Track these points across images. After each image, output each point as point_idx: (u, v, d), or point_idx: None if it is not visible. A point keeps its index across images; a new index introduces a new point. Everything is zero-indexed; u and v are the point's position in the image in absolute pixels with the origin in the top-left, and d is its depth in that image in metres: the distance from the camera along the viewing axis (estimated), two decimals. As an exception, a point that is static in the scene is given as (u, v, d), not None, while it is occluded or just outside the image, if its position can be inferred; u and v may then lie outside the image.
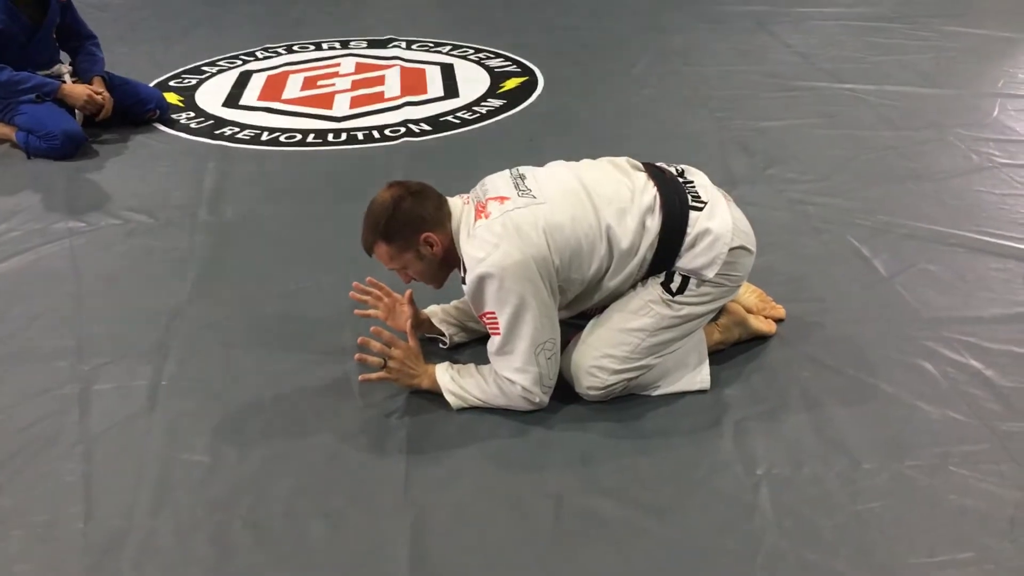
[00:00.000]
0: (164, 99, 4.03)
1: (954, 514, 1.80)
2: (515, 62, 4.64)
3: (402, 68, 4.60)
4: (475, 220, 2.00)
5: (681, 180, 2.11)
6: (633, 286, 2.09)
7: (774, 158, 3.45)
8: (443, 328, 2.33)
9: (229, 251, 2.88)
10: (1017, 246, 2.78)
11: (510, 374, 2.03)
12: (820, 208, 3.05)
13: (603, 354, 2.06)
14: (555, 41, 4.99)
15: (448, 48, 4.89)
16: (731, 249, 2.04)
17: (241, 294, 2.64)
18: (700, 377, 2.15)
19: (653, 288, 2.06)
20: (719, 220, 2.05)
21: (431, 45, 4.96)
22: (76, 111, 3.71)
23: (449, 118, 3.95)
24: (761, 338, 2.34)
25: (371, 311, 2.36)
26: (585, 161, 2.18)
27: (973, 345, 2.30)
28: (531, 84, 4.34)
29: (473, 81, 4.40)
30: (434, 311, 2.36)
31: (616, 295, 2.10)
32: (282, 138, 3.79)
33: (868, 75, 4.29)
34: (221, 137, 3.81)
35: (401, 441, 2.02)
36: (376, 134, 3.80)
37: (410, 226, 2.02)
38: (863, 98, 4.03)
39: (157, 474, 1.94)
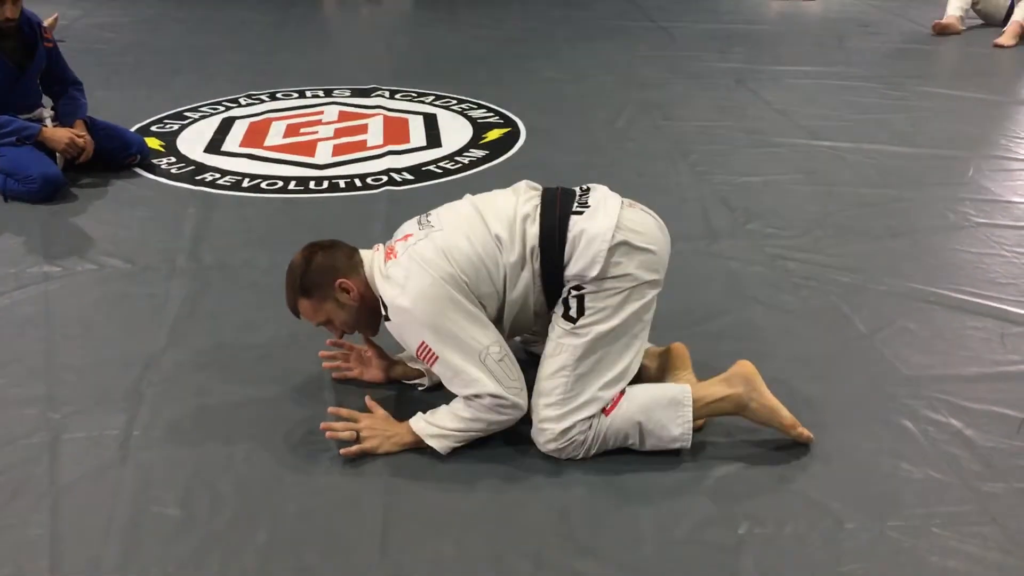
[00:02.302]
0: (145, 144, 4.02)
1: (937, 577, 1.78)
2: (498, 113, 4.68)
3: (385, 117, 4.62)
4: (385, 262, 2.11)
5: (578, 193, 2.15)
6: (546, 322, 2.13)
7: (754, 213, 3.47)
8: (420, 368, 2.33)
9: (207, 298, 2.85)
10: (994, 305, 2.80)
11: (473, 391, 2.03)
12: (800, 264, 3.07)
13: (542, 407, 2.05)
14: (537, 93, 5.04)
15: (431, 98, 4.92)
16: (613, 247, 2.01)
17: (218, 342, 2.60)
18: (680, 431, 2.06)
19: (558, 325, 2.07)
20: (599, 221, 2.05)
21: (414, 95, 4.99)
22: (57, 155, 3.69)
23: (431, 167, 3.97)
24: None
25: (345, 372, 2.38)
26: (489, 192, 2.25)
27: (953, 404, 2.31)
28: (513, 135, 4.37)
29: (456, 131, 4.42)
30: (408, 354, 2.35)
31: (532, 312, 2.13)
32: (263, 185, 3.78)
33: (846, 133, 4.36)
34: (202, 183, 3.79)
35: (378, 495, 1.98)
36: (358, 182, 3.80)
37: (324, 276, 2.13)
38: (841, 155, 4.09)
39: (126, 527, 1.89)
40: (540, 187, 2.21)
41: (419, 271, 2.03)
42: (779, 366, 2.45)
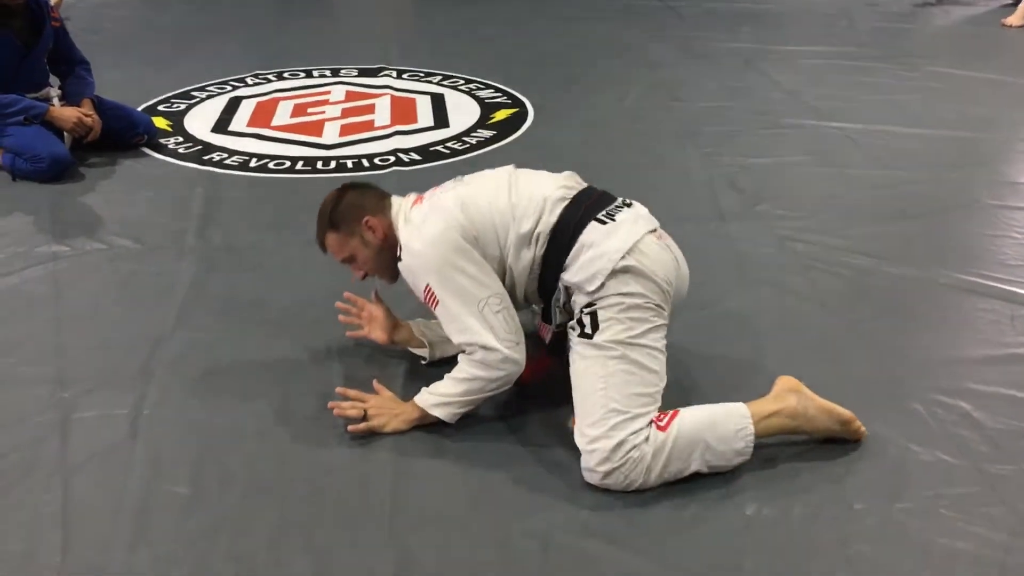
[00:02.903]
0: (153, 124, 4.02)
1: (945, 558, 1.78)
2: (505, 93, 4.66)
3: (392, 97, 4.60)
4: (411, 208, 2.16)
5: (614, 203, 2.10)
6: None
7: (763, 195, 3.46)
8: (423, 339, 2.34)
9: (215, 278, 2.86)
10: (1004, 287, 2.79)
11: (466, 338, 2.04)
12: (809, 245, 3.06)
13: (586, 428, 1.93)
14: (545, 73, 5.02)
15: (439, 78, 4.91)
16: (618, 270, 1.96)
17: (227, 322, 2.61)
18: (743, 444, 1.96)
19: (577, 347, 2.02)
20: (613, 240, 1.99)
21: (422, 75, 4.97)
22: (65, 134, 3.69)
23: (439, 148, 3.95)
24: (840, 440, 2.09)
25: (356, 330, 2.41)
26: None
27: (962, 386, 2.30)
28: (521, 115, 4.36)
29: (463, 111, 4.41)
30: (416, 322, 2.39)
31: (524, 294, 2.13)
32: (271, 165, 3.78)
33: (856, 114, 4.33)
34: (209, 163, 3.79)
35: (387, 475, 1.99)
36: (365, 163, 3.79)
37: (352, 212, 2.18)
38: (851, 136, 4.06)
39: (137, 505, 1.90)
40: (584, 184, 2.19)
41: (435, 217, 2.07)
42: (787, 348, 2.45)
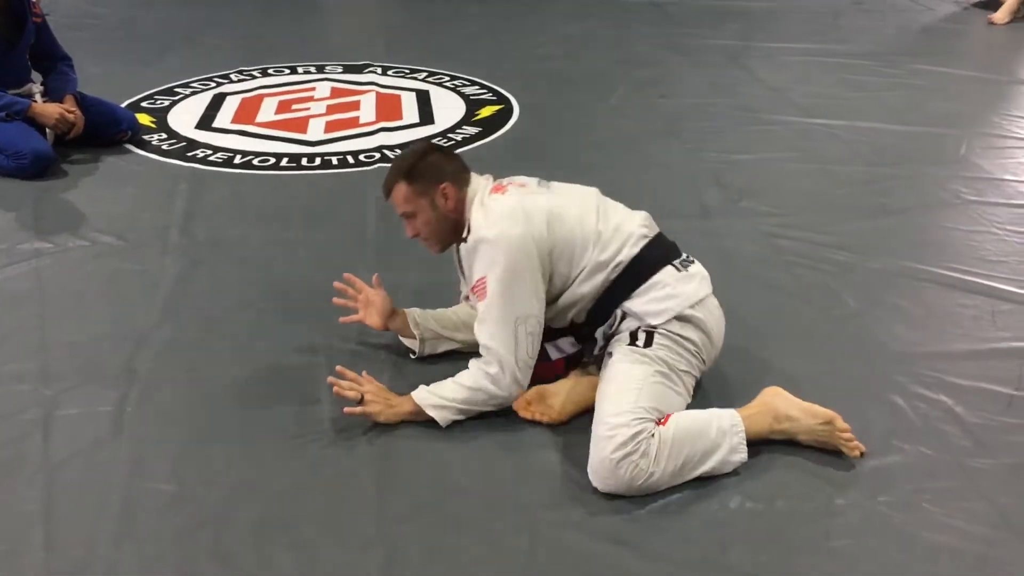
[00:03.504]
0: (136, 120, 3.99)
1: (927, 551, 1.80)
2: (491, 90, 4.66)
3: (378, 94, 4.59)
4: (490, 193, 2.13)
5: (685, 256, 2.20)
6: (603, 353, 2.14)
7: (747, 191, 3.47)
8: (416, 331, 2.34)
9: (199, 274, 2.85)
10: (984, 282, 2.81)
11: (491, 345, 2.06)
12: (792, 242, 3.07)
13: (610, 416, 1.95)
14: (531, 70, 5.02)
15: (424, 75, 4.90)
16: (684, 316, 2.07)
17: (210, 318, 2.60)
18: (737, 440, 1.99)
19: (622, 352, 2.06)
20: (689, 287, 2.11)
21: (407, 71, 4.96)
22: (47, 130, 3.66)
23: (424, 145, 3.95)
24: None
25: (352, 314, 2.38)
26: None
27: (944, 381, 2.32)
28: (506, 112, 4.35)
29: (448, 108, 4.40)
30: (411, 311, 2.38)
31: (570, 318, 2.15)
32: (255, 161, 3.77)
33: (839, 111, 4.35)
34: (193, 159, 3.77)
35: (373, 471, 1.99)
36: (350, 159, 3.78)
37: (433, 173, 2.15)
38: (834, 133, 4.08)
39: (121, 503, 1.90)
40: (658, 228, 2.23)
41: (516, 219, 2.06)
42: (771, 344, 2.46)
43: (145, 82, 4.68)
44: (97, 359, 2.39)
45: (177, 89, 4.62)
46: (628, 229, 2.14)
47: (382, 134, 4.04)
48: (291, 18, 6.20)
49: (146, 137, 3.97)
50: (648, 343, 2.06)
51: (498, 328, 2.05)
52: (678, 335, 2.07)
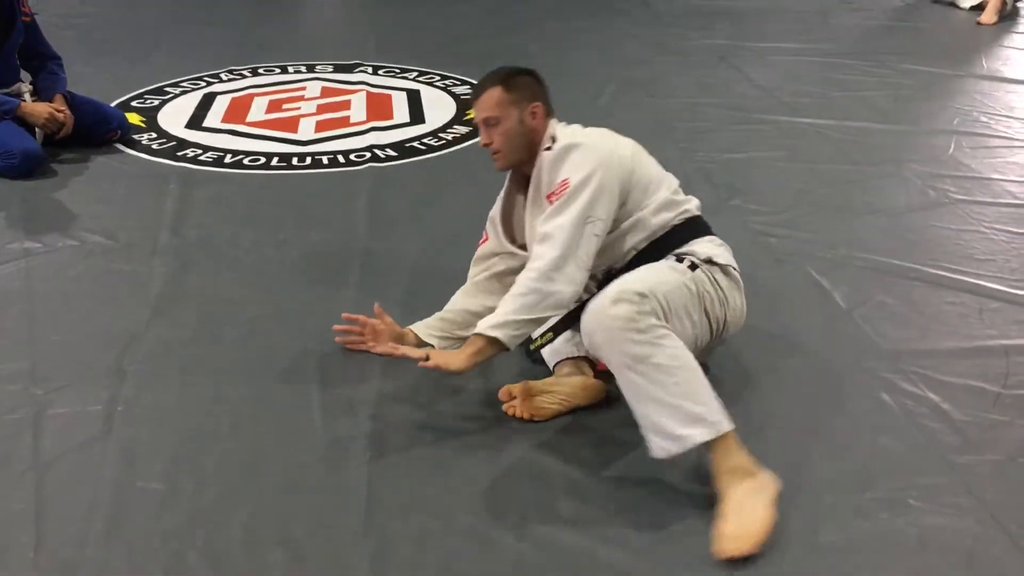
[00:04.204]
0: (126, 119, 3.99)
1: (914, 547, 1.81)
2: (481, 90, 4.66)
3: (368, 93, 4.59)
4: (569, 126, 2.26)
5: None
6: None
7: (737, 190, 3.49)
8: (430, 340, 2.32)
9: (190, 274, 2.85)
10: (972, 280, 2.83)
11: (553, 228, 2.07)
12: (781, 240, 3.09)
13: (630, 281, 1.98)
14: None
15: (415, 74, 4.90)
16: (731, 270, 2.19)
17: (201, 318, 2.60)
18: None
19: (669, 263, 2.12)
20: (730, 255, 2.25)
21: (398, 71, 4.96)
22: (37, 130, 3.65)
23: (415, 144, 3.96)
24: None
25: (358, 344, 2.38)
26: None
27: (930, 378, 2.34)
28: (497, 112, 4.35)
29: (439, 108, 4.41)
30: (416, 326, 2.37)
31: (639, 240, 2.18)
32: (246, 161, 3.77)
33: (828, 110, 4.37)
34: (183, 159, 3.77)
35: (362, 469, 2.00)
36: (341, 159, 3.78)
37: (528, 89, 2.24)
38: (823, 132, 4.10)
39: (111, 502, 1.90)
40: None
41: (607, 137, 2.21)
42: (761, 341, 2.47)
43: (135, 81, 4.68)
44: (87, 359, 2.39)
45: (167, 88, 4.62)
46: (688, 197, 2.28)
47: (373, 134, 4.04)
48: (281, 17, 6.20)
49: (136, 136, 3.97)
50: (692, 268, 2.11)
51: (567, 220, 2.06)
52: (718, 281, 2.13)
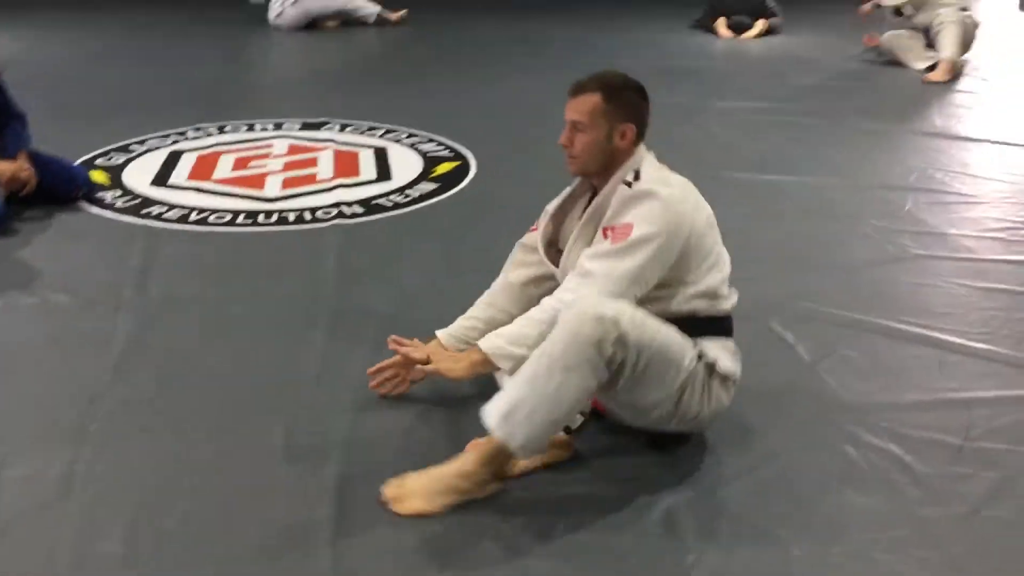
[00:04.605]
0: (90, 177, 3.98)
1: (881, 601, 1.82)
2: (448, 146, 4.71)
3: (335, 150, 4.62)
4: (660, 164, 2.19)
5: None
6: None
7: (700, 245, 3.52)
8: (455, 346, 2.30)
9: (153, 332, 2.82)
10: (932, 334, 2.87)
11: (596, 268, 2.02)
12: (744, 294, 3.11)
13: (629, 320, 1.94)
14: (487, 125, 5.08)
15: (382, 131, 4.94)
16: (731, 381, 2.16)
17: (164, 376, 2.57)
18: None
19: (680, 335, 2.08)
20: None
21: (365, 128, 5.00)
22: (-1, 188, 3.63)
23: (381, 201, 3.97)
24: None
25: (396, 387, 2.39)
26: None
27: (894, 431, 2.36)
28: (464, 168, 4.40)
29: (406, 164, 4.44)
30: (439, 335, 2.35)
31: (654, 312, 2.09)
32: (211, 218, 3.76)
33: (788, 167, 4.46)
34: (148, 216, 3.75)
35: (328, 534, 1.96)
36: (308, 215, 3.79)
37: (630, 108, 2.16)
38: (784, 189, 4.18)
39: (69, 565, 1.85)
40: None
41: (690, 199, 2.12)
42: (726, 395, 2.49)
43: (100, 139, 4.67)
44: (46, 418, 2.35)
45: (132, 146, 4.62)
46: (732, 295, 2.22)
47: (339, 190, 4.06)
48: (248, 76, 6.25)
49: (100, 195, 3.95)
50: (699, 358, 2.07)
51: (614, 271, 2.02)
52: (710, 387, 2.10)
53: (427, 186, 4.16)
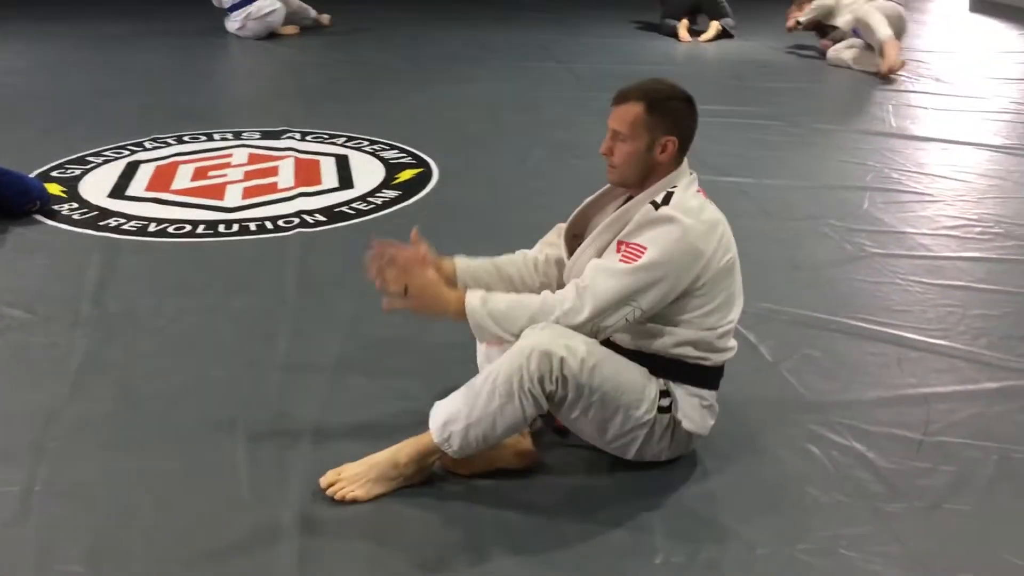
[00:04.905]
0: (46, 190, 3.91)
1: (845, 597, 1.84)
2: (410, 153, 4.70)
3: (296, 159, 4.59)
4: (696, 190, 2.10)
5: None
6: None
7: (662, 248, 3.54)
8: (463, 280, 2.24)
9: (112, 347, 2.78)
10: (891, 331, 2.92)
11: (599, 282, 1.97)
12: (707, 296, 3.14)
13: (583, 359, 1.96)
14: (449, 133, 5.08)
15: (343, 140, 4.92)
16: (694, 437, 2.15)
17: (123, 391, 2.53)
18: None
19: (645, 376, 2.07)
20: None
21: (326, 136, 4.98)
22: (-50, 202, 3.56)
23: (344, 209, 3.95)
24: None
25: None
26: None
27: (855, 428, 2.39)
28: (426, 175, 4.39)
29: (368, 172, 4.42)
30: (459, 261, 2.28)
31: (636, 343, 2.09)
32: (171, 229, 3.71)
33: (748, 169, 4.50)
34: (106, 228, 3.70)
35: (293, 543, 1.95)
36: (269, 225, 3.76)
37: (674, 120, 2.06)
38: (745, 191, 4.22)
39: (28, 588, 1.82)
40: None
41: (715, 237, 2.03)
42: (690, 397, 2.50)
43: (55, 151, 4.59)
44: (3, 438, 2.31)
45: (89, 158, 4.55)
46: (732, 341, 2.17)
47: (301, 199, 4.03)
48: (206, 85, 6.18)
49: (56, 207, 3.88)
50: (662, 411, 2.06)
51: (613, 289, 1.96)
52: (675, 436, 2.10)
53: (389, 193, 4.15)
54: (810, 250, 3.58)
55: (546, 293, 2.06)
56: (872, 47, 6.51)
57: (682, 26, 7.64)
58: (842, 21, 6.74)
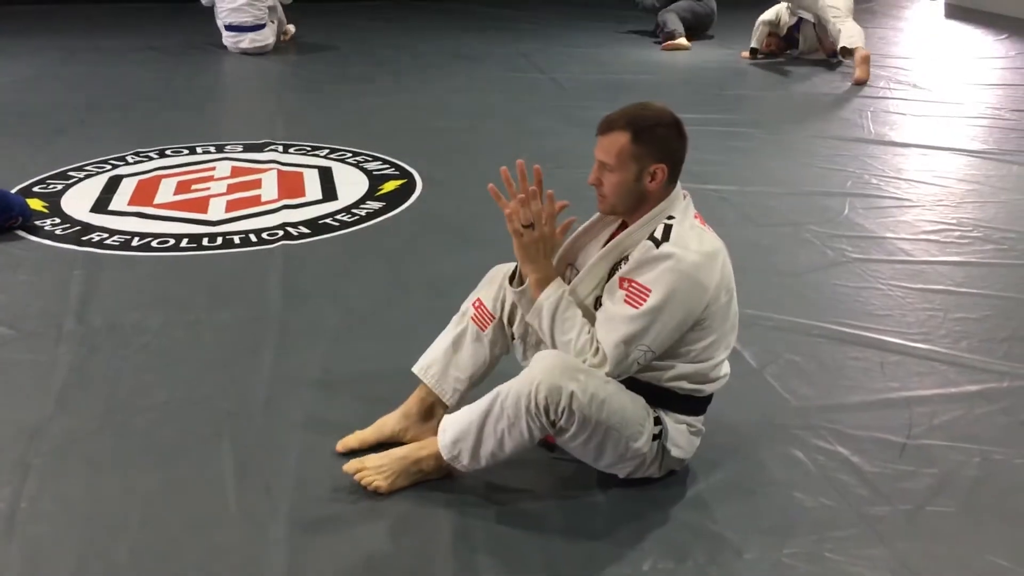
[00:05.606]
0: (28, 206, 3.89)
1: (831, 600, 1.85)
2: (393, 165, 4.70)
3: (279, 172, 4.59)
4: (694, 216, 2.06)
5: None
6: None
7: (646, 256, 3.56)
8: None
9: (96, 362, 2.77)
10: (873, 336, 2.94)
11: (614, 328, 1.97)
12: (691, 304, 3.16)
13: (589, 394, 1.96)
14: (432, 144, 5.09)
15: (326, 151, 4.92)
16: (679, 463, 2.16)
17: (108, 407, 2.52)
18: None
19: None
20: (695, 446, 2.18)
21: (309, 149, 4.98)
22: (-69, 219, 3.54)
23: (328, 221, 3.96)
24: None
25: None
26: None
27: (839, 432, 2.41)
28: (410, 186, 4.40)
29: (351, 184, 4.42)
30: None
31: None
32: (154, 243, 3.71)
33: (729, 176, 4.53)
34: (89, 243, 3.69)
35: (280, 564, 1.95)
36: (253, 237, 3.76)
37: (661, 147, 2.02)
38: (726, 198, 4.25)
39: (14, 606, 1.81)
40: None
41: (715, 269, 2.01)
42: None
43: (37, 167, 4.58)
44: (-13, 455, 2.30)
45: (71, 173, 4.53)
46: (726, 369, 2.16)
47: (285, 212, 4.03)
48: (188, 99, 6.17)
49: (39, 223, 3.86)
50: (654, 438, 2.07)
51: (618, 331, 1.96)
52: (664, 459, 2.11)
53: (374, 204, 4.16)
54: (792, 256, 3.61)
55: (583, 330, 2.02)
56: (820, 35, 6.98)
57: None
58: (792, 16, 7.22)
